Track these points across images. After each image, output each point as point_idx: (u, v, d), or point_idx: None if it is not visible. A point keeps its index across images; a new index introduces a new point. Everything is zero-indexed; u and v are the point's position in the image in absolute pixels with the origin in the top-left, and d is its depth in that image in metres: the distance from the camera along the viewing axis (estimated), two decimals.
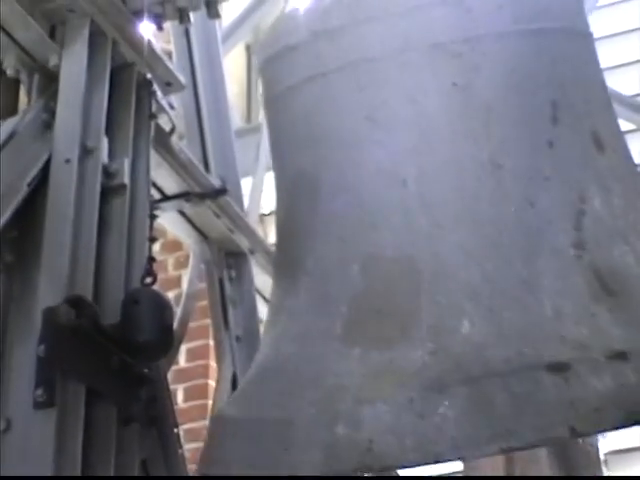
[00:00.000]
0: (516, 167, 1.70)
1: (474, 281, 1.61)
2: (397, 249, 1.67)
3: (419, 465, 1.53)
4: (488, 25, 1.78)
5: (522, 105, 1.76)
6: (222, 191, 2.67)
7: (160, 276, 2.19)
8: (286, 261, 1.91)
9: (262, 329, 2.93)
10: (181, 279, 3.62)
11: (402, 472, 2.92)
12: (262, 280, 2.88)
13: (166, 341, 1.99)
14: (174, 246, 3.96)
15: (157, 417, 2.03)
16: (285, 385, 1.68)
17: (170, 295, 2.82)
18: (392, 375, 1.55)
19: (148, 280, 2.09)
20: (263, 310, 2.82)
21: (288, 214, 1.94)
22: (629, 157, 1.86)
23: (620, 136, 1.90)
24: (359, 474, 1.69)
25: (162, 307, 2.00)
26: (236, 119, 3.36)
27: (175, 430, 2.12)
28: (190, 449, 2.65)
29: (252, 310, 2.83)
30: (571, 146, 1.75)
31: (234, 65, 4.06)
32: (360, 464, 1.54)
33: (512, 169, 1.70)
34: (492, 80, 1.75)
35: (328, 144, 1.83)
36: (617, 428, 1.53)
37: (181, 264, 3.93)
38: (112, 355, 1.88)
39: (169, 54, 2.82)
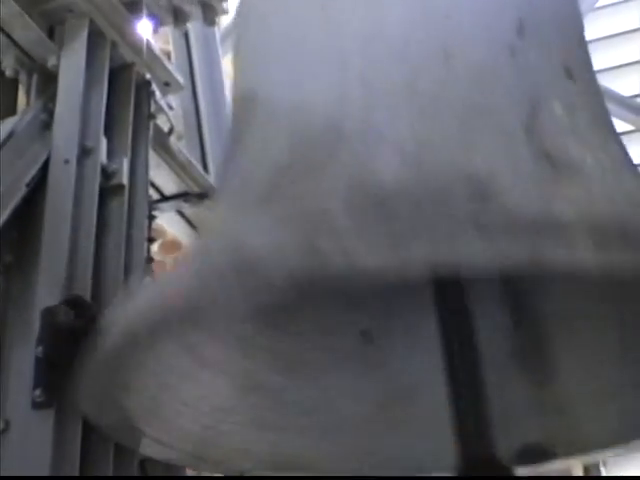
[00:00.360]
0: (470, 60, 1.59)
1: (402, 139, 1.49)
2: (326, 118, 1.57)
3: (306, 281, 1.31)
4: None
5: (486, 10, 1.69)
6: None
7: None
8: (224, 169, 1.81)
9: None
10: None
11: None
12: None
13: None
14: (173, 246, 3.95)
15: None
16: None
17: None
18: (296, 216, 1.40)
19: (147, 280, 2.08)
20: None
21: (232, 132, 1.83)
22: (599, 92, 1.78)
23: (593, 75, 1.82)
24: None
25: None
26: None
27: None
28: None
29: None
30: (536, 62, 1.64)
31: (233, 65, 4.07)
32: (242, 290, 1.29)
33: (466, 61, 1.59)
34: None
35: (279, 45, 1.73)
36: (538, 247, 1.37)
37: None
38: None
39: (168, 54, 2.82)
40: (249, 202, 1.55)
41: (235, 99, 1.86)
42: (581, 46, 1.86)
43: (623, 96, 4.13)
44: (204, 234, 1.67)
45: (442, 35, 1.67)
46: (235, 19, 1.93)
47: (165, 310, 1.33)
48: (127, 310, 1.45)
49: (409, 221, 1.30)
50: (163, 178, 2.51)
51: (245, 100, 1.79)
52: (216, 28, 3.10)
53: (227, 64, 3.34)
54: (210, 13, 2.42)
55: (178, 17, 2.39)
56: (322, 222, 1.31)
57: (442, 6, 1.70)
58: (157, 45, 2.43)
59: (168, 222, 2.70)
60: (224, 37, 3.48)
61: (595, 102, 1.76)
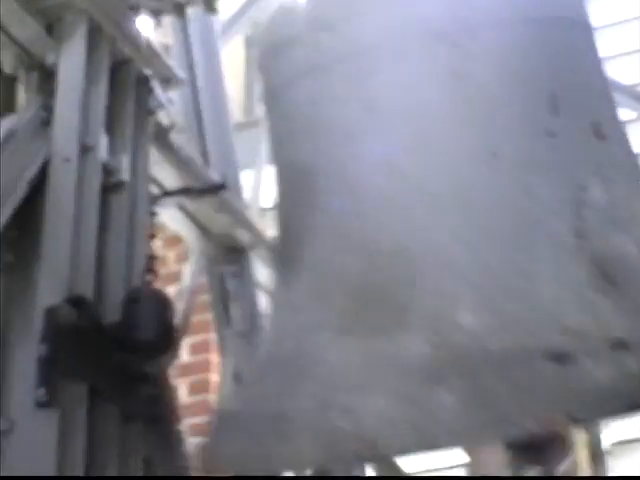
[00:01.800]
0: (514, 156, 1.69)
1: (470, 269, 1.59)
2: (394, 240, 1.66)
3: (416, 453, 1.53)
4: (488, 13, 1.76)
5: (521, 94, 1.75)
6: (222, 186, 2.66)
7: (161, 271, 2.18)
8: (286, 255, 1.90)
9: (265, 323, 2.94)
10: (182, 274, 3.62)
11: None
12: (264, 275, 2.87)
13: (166, 339, 1.98)
14: (175, 241, 3.95)
15: (159, 414, 2.03)
16: (283, 379, 1.68)
17: (171, 290, 2.81)
18: (388, 364, 1.54)
19: (148, 278, 2.08)
20: (265, 305, 2.82)
21: (287, 207, 1.93)
22: (629, 147, 1.85)
23: (620, 126, 1.89)
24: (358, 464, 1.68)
25: (162, 305, 1.99)
26: (235, 113, 3.35)
27: (177, 427, 2.12)
28: (194, 444, 2.64)
29: (254, 305, 2.82)
30: (571, 135, 1.74)
31: (233, 59, 4.05)
32: (356, 453, 1.53)
33: (510, 158, 1.69)
34: (491, 69, 1.74)
35: (327, 136, 1.82)
36: (616, 416, 1.52)
37: (182, 258, 3.92)
38: (113, 354, 1.88)
39: (167, 48, 2.81)
40: (328, 325, 1.63)
41: (282, 164, 1.93)
42: (607, 98, 1.89)
43: (624, 84, 4.11)
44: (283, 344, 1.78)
45: (484, 134, 1.70)
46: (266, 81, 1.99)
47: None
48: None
49: (503, 400, 1.42)
50: (164, 174, 2.50)
51: (298, 180, 1.85)
52: (216, 21, 3.09)
53: (227, 57, 3.33)
54: (211, 3, 2.41)
55: (177, 8, 2.37)
56: (424, 396, 1.45)
57: (481, 101, 1.73)
58: (157, 39, 2.41)
59: (170, 217, 2.68)
60: (224, 30, 3.47)
61: (625, 156, 1.82)
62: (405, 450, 1.52)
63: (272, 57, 1.96)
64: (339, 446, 1.51)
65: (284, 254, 1.93)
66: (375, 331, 1.56)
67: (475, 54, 1.74)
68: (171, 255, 4.08)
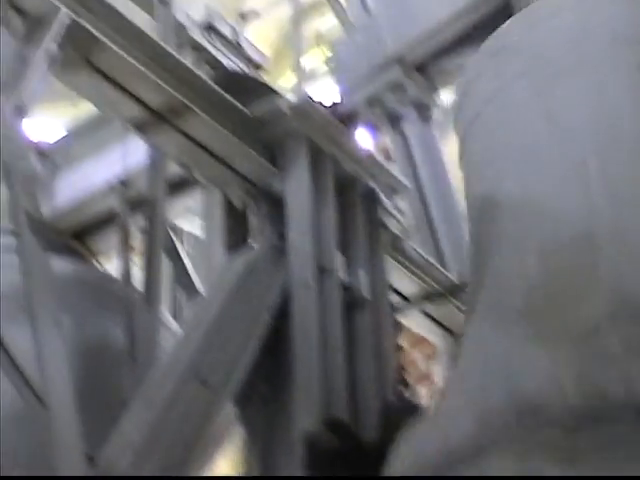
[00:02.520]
0: None
1: None
2: (575, 229, 1.59)
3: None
4: None
5: None
6: (460, 287, 2.63)
7: (411, 372, 2.17)
8: (471, 292, 1.84)
9: None
10: (432, 373, 3.59)
11: None
12: None
13: None
14: (421, 340, 3.92)
15: None
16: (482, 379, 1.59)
17: (422, 389, 2.79)
18: (564, 342, 1.43)
19: (401, 390, 2.06)
20: None
21: (473, 244, 1.88)
22: None
23: None
24: None
25: (419, 417, 1.96)
26: (463, 206, 3.32)
27: None
28: None
29: None
30: None
31: (453, 150, 4.04)
32: (521, 429, 1.42)
33: None
34: None
35: (508, 155, 1.78)
36: None
37: (430, 358, 3.90)
38: (377, 475, 1.86)
39: (387, 151, 2.82)
40: (506, 319, 1.57)
41: (470, 207, 1.90)
42: None
43: None
44: (467, 357, 1.71)
45: None
46: (458, 129, 1.96)
47: (449, 454, 1.42)
48: (413, 453, 1.54)
49: None
50: (402, 281, 2.50)
51: (482, 210, 1.82)
52: (432, 123, 3.09)
53: (446, 150, 3.32)
54: (424, 110, 2.42)
55: (394, 121, 2.39)
56: (594, 349, 1.35)
57: None
58: (376, 146, 2.44)
59: (413, 322, 2.68)
60: (442, 124, 3.47)
61: None
62: (573, 413, 1.37)
63: (460, 104, 1.94)
64: (499, 419, 1.42)
65: (470, 294, 1.87)
66: (560, 335, 1.48)
67: None
68: (419, 355, 4.06)
